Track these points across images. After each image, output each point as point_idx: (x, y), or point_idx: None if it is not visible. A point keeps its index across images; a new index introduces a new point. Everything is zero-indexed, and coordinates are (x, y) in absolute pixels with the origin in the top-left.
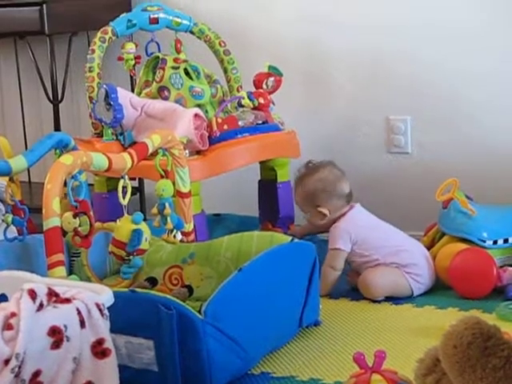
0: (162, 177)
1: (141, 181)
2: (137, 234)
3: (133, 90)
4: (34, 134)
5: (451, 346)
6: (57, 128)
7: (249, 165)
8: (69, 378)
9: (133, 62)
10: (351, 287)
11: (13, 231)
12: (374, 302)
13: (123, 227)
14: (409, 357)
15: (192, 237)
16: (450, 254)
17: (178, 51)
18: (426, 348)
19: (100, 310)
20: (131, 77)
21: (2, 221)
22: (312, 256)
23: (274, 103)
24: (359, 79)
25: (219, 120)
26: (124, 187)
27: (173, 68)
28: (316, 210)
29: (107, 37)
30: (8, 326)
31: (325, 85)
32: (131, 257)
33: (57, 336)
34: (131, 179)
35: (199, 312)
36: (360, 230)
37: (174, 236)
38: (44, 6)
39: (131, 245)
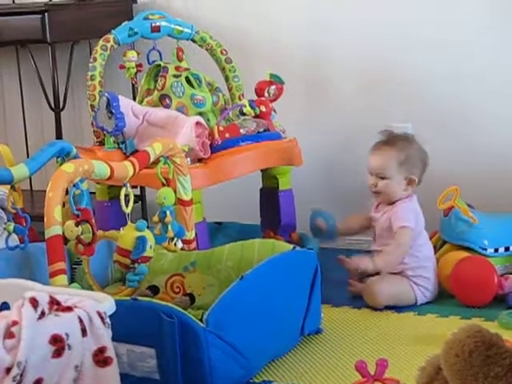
0: (164, 185)
1: (143, 189)
2: (141, 241)
3: (134, 99)
4: (36, 142)
5: (453, 354)
6: (58, 136)
7: (250, 173)
8: None
9: (134, 70)
10: (352, 296)
11: (14, 239)
12: (376, 310)
13: (127, 235)
14: (410, 365)
15: (193, 245)
16: (452, 262)
17: (180, 59)
18: (427, 356)
19: (102, 318)
20: (133, 85)
21: (4, 229)
22: (313, 264)
23: (275, 111)
24: (360, 87)
25: (221, 128)
26: (126, 195)
27: (174, 76)
28: (403, 177)
29: (109, 45)
30: (10, 335)
31: (326, 93)
32: (136, 264)
33: (58, 344)
34: (133, 187)
35: (201, 320)
36: (419, 219)
37: (175, 244)
38: (46, 14)
39: (136, 252)
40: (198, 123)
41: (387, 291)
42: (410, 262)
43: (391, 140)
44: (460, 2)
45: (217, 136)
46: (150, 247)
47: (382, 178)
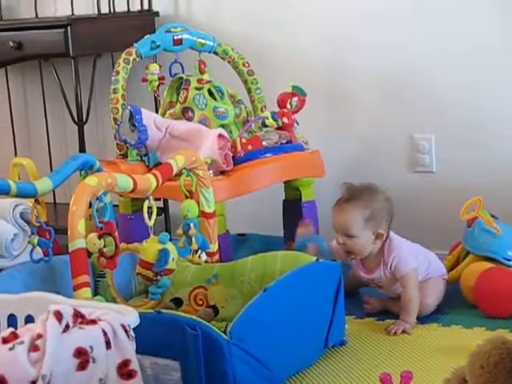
0: (187, 197)
1: (165, 201)
2: (164, 254)
3: (157, 111)
4: (59, 156)
5: (478, 366)
6: (82, 149)
7: (273, 185)
8: None
9: (157, 83)
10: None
11: (39, 252)
12: None
13: (150, 248)
14: (435, 377)
15: (217, 257)
16: (475, 273)
17: (202, 72)
18: (452, 368)
19: (126, 331)
20: (155, 98)
21: (28, 242)
22: (337, 275)
23: (297, 123)
24: (383, 98)
25: (243, 140)
26: (149, 208)
27: (196, 89)
28: (371, 233)
29: (131, 58)
30: (34, 348)
31: (348, 104)
32: (159, 277)
33: (83, 357)
34: (156, 200)
35: (224, 333)
36: (412, 251)
37: (199, 256)
38: (68, 28)
39: (158, 265)
40: (220, 135)
41: (430, 300)
42: (430, 272)
43: (354, 196)
44: (481, 15)
45: (239, 148)
46: (173, 260)
47: (349, 237)
